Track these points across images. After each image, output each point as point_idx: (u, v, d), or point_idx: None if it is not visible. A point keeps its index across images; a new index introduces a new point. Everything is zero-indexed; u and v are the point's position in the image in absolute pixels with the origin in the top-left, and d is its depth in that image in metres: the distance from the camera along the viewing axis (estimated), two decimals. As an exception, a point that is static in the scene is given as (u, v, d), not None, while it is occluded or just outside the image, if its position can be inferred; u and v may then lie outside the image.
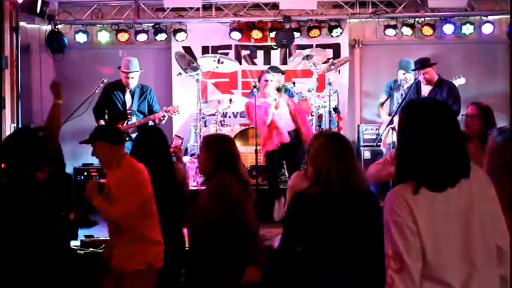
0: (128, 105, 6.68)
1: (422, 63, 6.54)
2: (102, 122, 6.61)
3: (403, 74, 7.07)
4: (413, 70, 6.75)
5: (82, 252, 5.09)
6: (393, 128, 6.53)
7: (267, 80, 6.44)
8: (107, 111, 6.67)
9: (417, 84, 6.58)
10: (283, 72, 8.01)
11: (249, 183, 3.64)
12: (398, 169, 2.17)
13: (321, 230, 2.83)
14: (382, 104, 7.50)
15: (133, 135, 6.51)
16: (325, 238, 2.83)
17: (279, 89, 7.58)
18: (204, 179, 3.70)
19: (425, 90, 6.55)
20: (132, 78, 6.65)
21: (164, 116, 6.63)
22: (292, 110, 6.42)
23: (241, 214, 3.43)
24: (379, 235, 2.17)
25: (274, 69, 7.99)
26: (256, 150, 6.42)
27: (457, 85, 6.70)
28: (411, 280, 2.03)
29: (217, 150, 3.56)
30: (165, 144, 4.36)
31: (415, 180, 2.07)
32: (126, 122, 6.75)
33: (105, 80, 6.63)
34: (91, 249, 5.17)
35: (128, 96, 6.69)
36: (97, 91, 6.56)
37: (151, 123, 6.64)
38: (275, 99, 6.37)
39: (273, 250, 4.95)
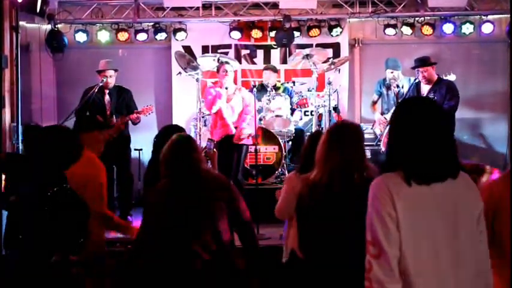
0: (108, 107, 6.72)
1: (422, 62, 6.56)
2: None
3: (391, 72, 7.09)
4: (412, 68, 6.74)
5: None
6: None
7: (225, 71, 6.50)
8: (88, 113, 6.69)
9: (417, 84, 6.59)
10: (275, 70, 8.00)
11: (194, 189, 3.16)
12: (388, 159, 2.21)
13: (322, 219, 2.96)
14: (375, 103, 7.50)
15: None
16: (324, 230, 2.96)
17: (276, 88, 7.62)
18: None
19: (425, 89, 6.58)
20: (110, 76, 6.72)
21: (138, 118, 6.73)
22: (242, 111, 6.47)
23: (159, 228, 3.15)
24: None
25: (269, 68, 8.00)
26: (255, 150, 6.40)
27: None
28: (389, 266, 2.05)
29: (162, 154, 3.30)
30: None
31: (402, 170, 2.11)
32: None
33: (105, 79, 6.63)
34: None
35: (107, 99, 6.75)
36: (96, 90, 6.55)
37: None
38: (226, 88, 6.41)
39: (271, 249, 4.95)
